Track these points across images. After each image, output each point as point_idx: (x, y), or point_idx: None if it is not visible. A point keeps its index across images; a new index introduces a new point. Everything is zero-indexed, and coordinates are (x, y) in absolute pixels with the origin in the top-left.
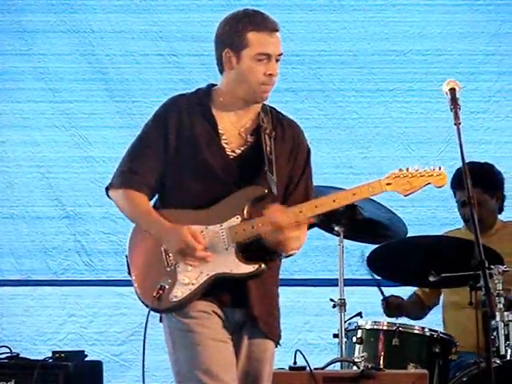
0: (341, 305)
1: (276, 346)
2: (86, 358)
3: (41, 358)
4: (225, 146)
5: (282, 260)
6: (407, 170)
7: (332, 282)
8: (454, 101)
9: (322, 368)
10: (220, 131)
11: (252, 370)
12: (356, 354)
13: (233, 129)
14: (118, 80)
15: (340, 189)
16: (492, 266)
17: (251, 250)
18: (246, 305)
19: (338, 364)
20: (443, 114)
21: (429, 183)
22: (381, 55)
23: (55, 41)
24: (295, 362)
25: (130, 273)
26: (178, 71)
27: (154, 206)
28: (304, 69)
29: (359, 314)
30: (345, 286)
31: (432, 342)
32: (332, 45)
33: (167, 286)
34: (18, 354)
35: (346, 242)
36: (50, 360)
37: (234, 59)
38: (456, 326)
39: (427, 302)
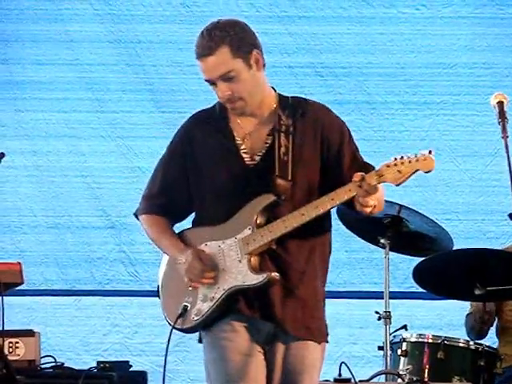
0: (386, 317)
1: (326, 341)
2: (131, 369)
3: (85, 368)
4: (244, 155)
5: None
6: (401, 158)
7: (377, 295)
8: (501, 114)
9: (367, 380)
10: (238, 141)
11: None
12: (401, 366)
13: (252, 134)
14: (164, 90)
15: (387, 201)
16: None
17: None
18: (272, 318)
19: (383, 376)
20: (490, 127)
21: (417, 170)
22: (428, 68)
23: (102, 51)
24: (340, 374)
25: (159, 296)
26: None
27: (192, 224)
28: (350, 81)
29: (404, 327)
30: (390, 298)
31: (477, 355)
32: (379, 57)
33: (189, 306)
34: (63, 364)
35: (392, 254)
36: (95, 370)
37: None
38: None
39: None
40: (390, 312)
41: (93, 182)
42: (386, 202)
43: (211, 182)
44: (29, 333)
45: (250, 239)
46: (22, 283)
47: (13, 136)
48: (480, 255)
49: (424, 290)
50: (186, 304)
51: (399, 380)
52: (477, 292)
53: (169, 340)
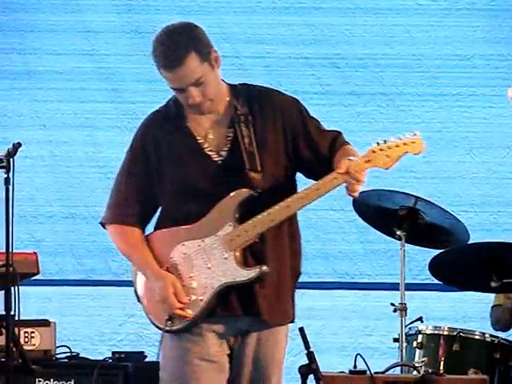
0: (401, 309)
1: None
2: (146, 359)
3: (100, 358)
4: (209, 153)
5: (343, 264)
6: (384, 142)
7: (393, 286)
8: None
9: (383, 372)
10: (199, 140)
11: (258, 379)
12: (416, 358)
13: (212, 131)
14: None
15: (403, 193)
16: None
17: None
18: (253, 311)
19: (398, 368)
20: (506, 119)
21: (406, 152)
22: (444, 59)
23: (118, 41)
24: (355, 366)
25: (139, 300)
26: (240, 73)
27: (157, 224)
28: (367, 72)
29: (420, 319)
30: (406, 290)
31: (493, 347)
32: (395, 48)
33: None
34: (78, 354)
35: (408, 246)
36: (110, 360)
37: None
38: None
39: None
40: (405, 304)
41: (109, 172)
42: (402, 193)
43: (180, 181)
44: (44, 323)
45: (233, 235)
46: (37, 273)
47: (29, 126)
48: (496, 248)
49: (440, 282)
50: None
51: (414, 372)
52: (493, 284)
53: (161, 342)
